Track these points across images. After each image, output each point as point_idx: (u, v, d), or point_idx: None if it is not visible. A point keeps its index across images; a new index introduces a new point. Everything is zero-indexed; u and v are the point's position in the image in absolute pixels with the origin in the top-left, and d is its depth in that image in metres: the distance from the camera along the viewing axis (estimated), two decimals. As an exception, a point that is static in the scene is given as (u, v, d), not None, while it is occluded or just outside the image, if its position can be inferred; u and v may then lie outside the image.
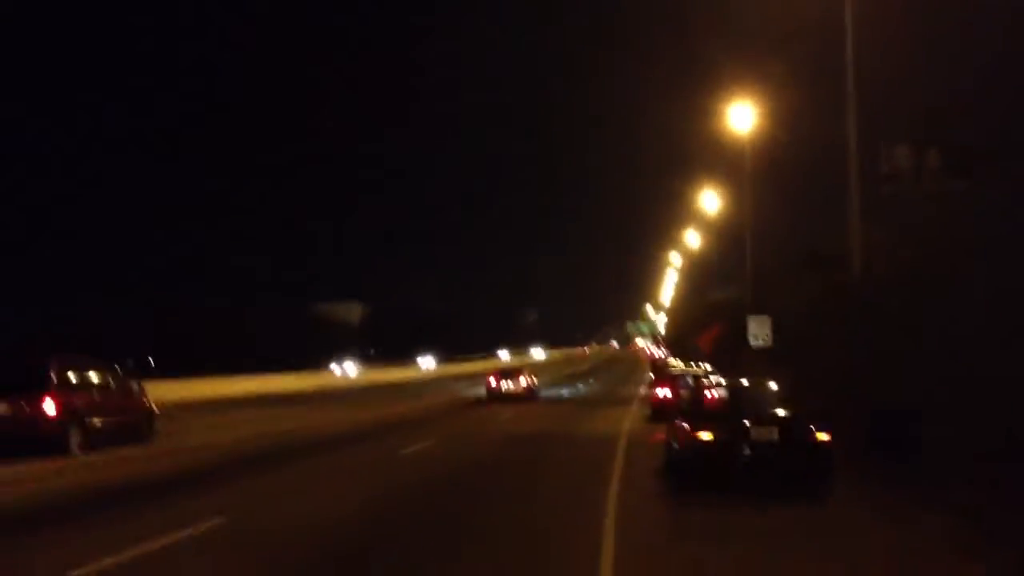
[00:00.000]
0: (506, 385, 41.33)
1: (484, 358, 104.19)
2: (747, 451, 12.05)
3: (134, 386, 20.54)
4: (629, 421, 26.17)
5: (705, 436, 12.22)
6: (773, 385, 14.44)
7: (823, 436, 11.98)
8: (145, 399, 20.83)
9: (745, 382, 14.93)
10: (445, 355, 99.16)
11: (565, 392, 49.61)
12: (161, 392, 38.76)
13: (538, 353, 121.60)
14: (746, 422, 12.21)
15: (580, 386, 57.78)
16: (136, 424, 19.99)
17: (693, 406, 14.17)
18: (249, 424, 25.52)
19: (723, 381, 21.67)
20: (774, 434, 12.13)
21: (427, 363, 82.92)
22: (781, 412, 12.73)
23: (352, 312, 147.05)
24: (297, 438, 21.97)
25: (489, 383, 41.99)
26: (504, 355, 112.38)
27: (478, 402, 38.44)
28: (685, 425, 12.93)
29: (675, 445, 13.55)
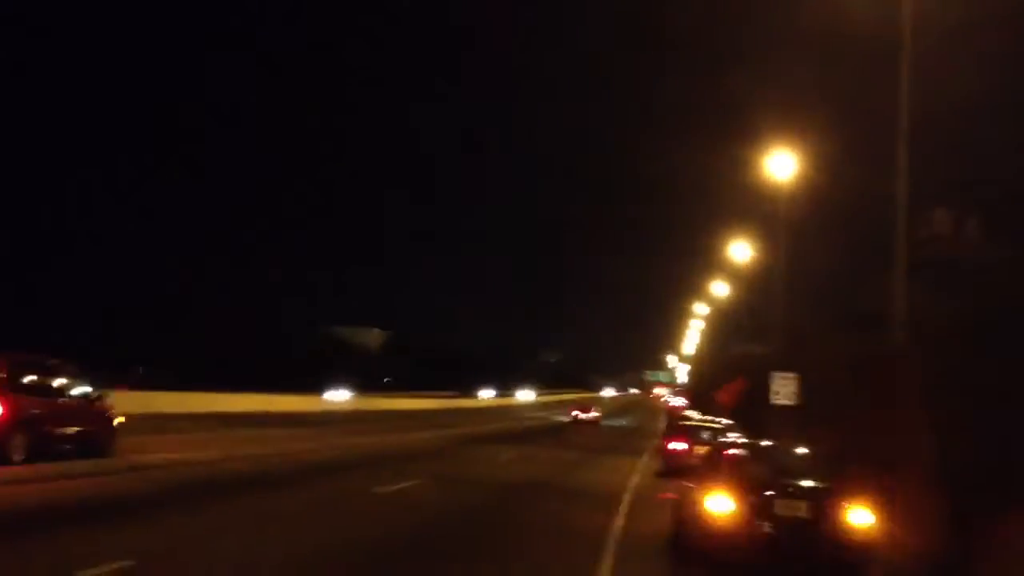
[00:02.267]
0: (583, 415, 62.21)
1: (458, 396, 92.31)
2: (767, 528, 10.00)
3: (96, 394, 18.78)
4: (637, 474, 24.03)
5: (720, 507, 10.18)
6: (804, 449, 12.39)
7: (864, 517, 9.93)
8: (109, 409, 19.04)
9: (771, 443, 12.91)
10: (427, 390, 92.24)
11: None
12: (147, 402, 37.48)
13: (526, 395, 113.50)
14: (770, 492, 10.18)
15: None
16: (94, 436, 18.21)
17: (709, 468, 12.06)
18: (223, 444, 23.62)
19: (744, 440, 19.61)
20: (802, 510, 10.07)
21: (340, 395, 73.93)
22: (813, 483, 10.64)
23: (371, 338, 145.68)
24: (268, 465, 20.02)
25: (572, 412, 64.09)
26: (487, 394, 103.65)
27: (473, 440, 36.03)
28: (698, 491, 10.91)
29: (685, 513, 11.52)
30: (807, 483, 10.52)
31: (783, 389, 28.98)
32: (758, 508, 10.05)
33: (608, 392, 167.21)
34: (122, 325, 72.79)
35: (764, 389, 30.08)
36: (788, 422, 28.46)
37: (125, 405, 33.29)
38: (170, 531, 10.93)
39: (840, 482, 10.70)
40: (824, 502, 10.08)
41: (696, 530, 10.61)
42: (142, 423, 28.26)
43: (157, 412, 35.89)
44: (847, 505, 9.98)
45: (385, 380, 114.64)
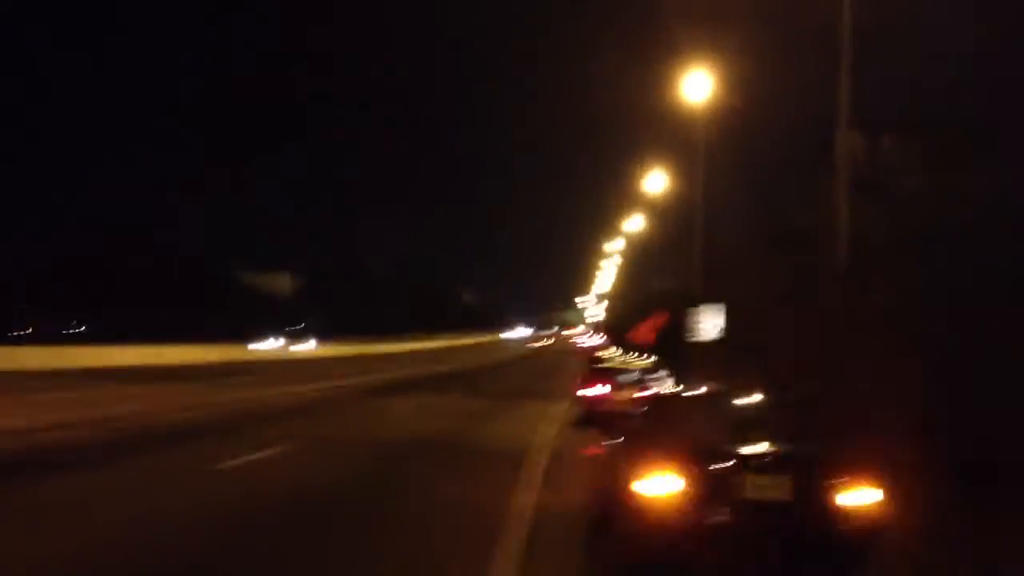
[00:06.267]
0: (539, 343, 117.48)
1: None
2: (731, 515, 6.91)
3: None
4: (550, 424, 21.06)
5: (661, 487, 7.04)
6: (763, 396, 9.26)
7: (867, 494, 6.91)
8: None
9: (721, 388, 9.81)
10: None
11: None
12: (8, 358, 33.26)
13: (307, 347, 77.96)
14: (731, 463, 7.07)
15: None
16: None
17: (641, 426, 8.84)
18: (71, 405, 19.86)
19: (674, 382, 16.68)
20: (780, 488, 6.98)
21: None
22: (790, 447, 7.50)
23: (282, 283, 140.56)
24: (106, 431, 16.41)
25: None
26: (266, 345, 71.89)
27: (379, 390, 32.54)
28: (628, 461, 7.76)
29: (612, 491, 8.39)
30: (782, 448, 7.39)
31: (704, 322, 26.59)
32: (717, 488, 6.94)
33: (519, 333, 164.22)
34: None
35: (681, 323, 27.56)
36: (714, 358, 25.92)
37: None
38: None
39: (827, 444, 7.64)
40: (810, 476, 7.00)
41: (628, 518, 7.47)
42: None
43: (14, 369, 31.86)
44: (843, 478, 6.93)
45: (297, 328, 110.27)
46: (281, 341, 74.69)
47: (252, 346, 61.94)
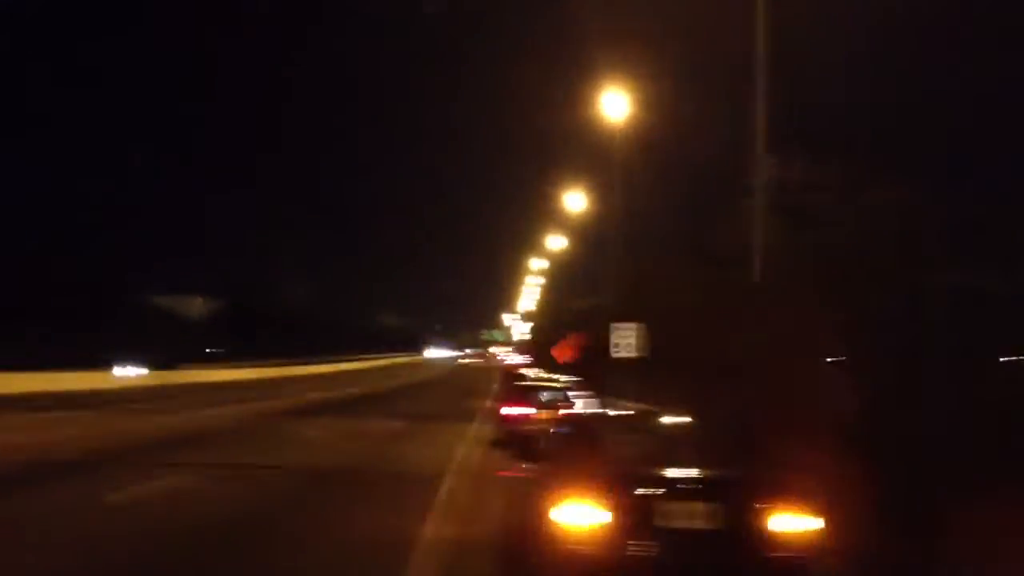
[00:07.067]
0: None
1: None
2: (654, 547, 6.35)
3: None
4: (469, 448, 20.38)
5: (578, 518, 6.45)
6: (686, 418, 8.77)
7: (804, 521, 6.43)
8: None
9: (642, 410, 9.29)
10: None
11: None
12: None
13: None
14: (654, 490, 6.52)
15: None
16: None
17: (558, 451, 8.23)
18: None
19: (598, 404, 16.22)
20: (707, 516, 6.45)
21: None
22: (718, 473, 6.98)
23: (194, 307, 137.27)
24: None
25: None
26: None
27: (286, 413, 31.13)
28: (543, 490, 7.17)
29: (525, 521, 7.77)
30: (709, 473, 6.86)
31: (623, 341, 26.36)
32: (640, 516, 6.40)
33: (437, 353, 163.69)
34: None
35: (601, 342, 27.28)
36: (635, 377, 25.64)
37: None
38: None
39: (758, 467, 7.14)
40: (740, 502, 6.50)
41: (545, 549, 6.88)
42: None
43: None
44: (775, 504, 6.43)
45: (207, 351, 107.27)
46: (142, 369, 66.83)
47: (119, 372, 56.18)
